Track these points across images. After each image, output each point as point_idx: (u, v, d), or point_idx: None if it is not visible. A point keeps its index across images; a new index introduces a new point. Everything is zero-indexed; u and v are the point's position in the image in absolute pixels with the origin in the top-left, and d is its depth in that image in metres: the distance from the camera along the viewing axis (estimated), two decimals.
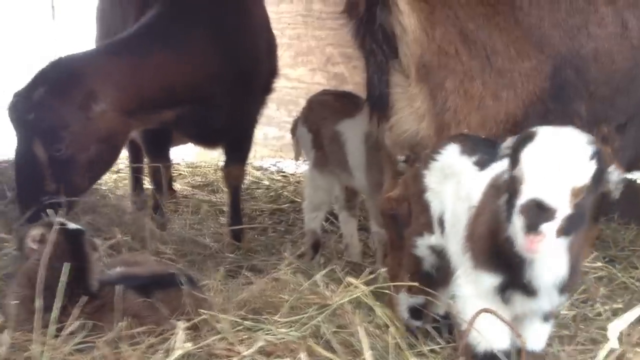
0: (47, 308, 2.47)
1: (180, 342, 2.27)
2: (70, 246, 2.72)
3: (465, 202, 2.41)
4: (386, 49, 3.21)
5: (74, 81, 3.61)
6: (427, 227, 2.71)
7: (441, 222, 2.60)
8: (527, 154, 2.03)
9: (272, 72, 4.76)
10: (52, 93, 3.52)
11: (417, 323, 2.92)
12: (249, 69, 4.33)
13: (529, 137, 2.07)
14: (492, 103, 3.06)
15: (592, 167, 1.99)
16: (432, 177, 2.66)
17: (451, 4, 3.06)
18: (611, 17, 3.05)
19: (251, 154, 6.89)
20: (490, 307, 2.30)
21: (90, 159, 3.65)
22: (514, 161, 2.07)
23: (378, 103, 3.30)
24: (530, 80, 3.05)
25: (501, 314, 2.20)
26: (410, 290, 2.85)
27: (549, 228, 1.95)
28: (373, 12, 3.19)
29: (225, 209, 5.15)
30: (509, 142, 2.18)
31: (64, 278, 2.52)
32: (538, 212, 1.94)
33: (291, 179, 6.12)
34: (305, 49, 7.00)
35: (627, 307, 3.31)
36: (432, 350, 2.70)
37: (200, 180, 5.95)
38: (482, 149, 2.48)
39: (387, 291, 2.94)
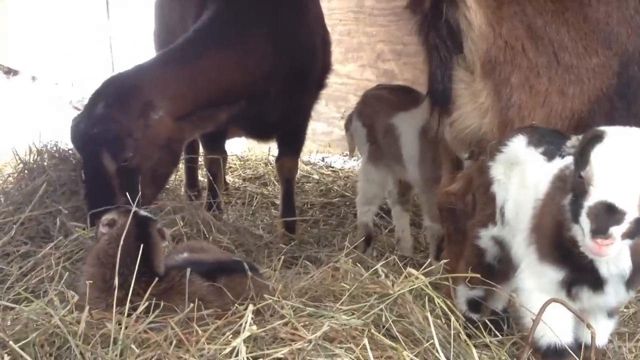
0: (119, 288, 2.57)
1: (248, 324, 2.32)
2: (138, 230, 2.81)
3: (530, 191, 2.43)
4: (450, 44, 3.23)
5: (130, 93, 3.72)
6: (492, 218, 2.73)
7: (502, 212, 2.63)
8: (597, 155, 2.02)
9: (325, 67, 4.80)
10: (112, 106, 3.63)
11: (476, 316, 2.95)
12: (304, 65, 4.37)
13: (598, 137, 2.06)
14: (558, 99, 3.06)
15: None
16: (498, 169, 2.69)
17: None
18: None
19: None
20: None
21: (154, 166, 3.75)
22: (583, 161, 2.07)
23: (440, 98, 3.32)
24: (597, 77, 3.04)
25: (570, 304, 2.21)
26: (470, 282, 2.88)
27: (618, 232, 1.95)
28: (439, 8, 3.21)
29: (277, 201, 5.24)
30: (574, 140, 2.19)
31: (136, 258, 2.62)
32: (607, 215, 1.95)
33: (340, 174, 6.16)
34: (356, 45, 7.03)
35: None
36: (496, 342, 2.73)
37: (251, 173, 6.03)
38: (550, 140, 2.49)
39: (445, 283, 2.97)
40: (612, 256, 2.05)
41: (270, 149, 6.31)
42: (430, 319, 2.60)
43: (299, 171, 6.15)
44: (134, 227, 2.80)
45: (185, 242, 3.34)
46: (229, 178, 5.79)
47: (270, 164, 6.22)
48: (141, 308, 2.45)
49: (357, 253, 3.37)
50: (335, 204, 5.31)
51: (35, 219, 3.46)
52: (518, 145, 2.64)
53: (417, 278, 2.81)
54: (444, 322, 2.75)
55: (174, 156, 3.92)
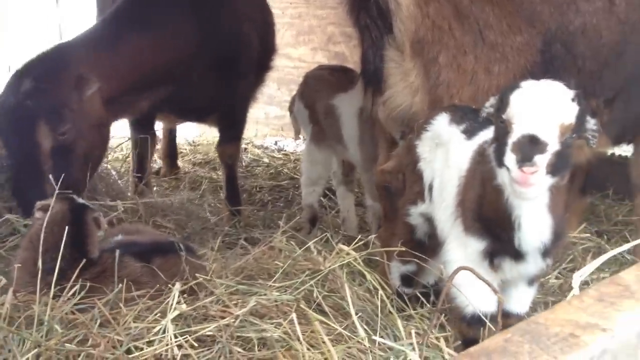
0: (49, 271, 2.59)
1: (177, 303, 2.36)
2: (71, 215, 2.83)
3: (453, 169, 2.50)
4: (381, 24, 3.27)
5: (61, 66, 3.60)
6: (420, 195, 2.80)
7: (430, 189, 2.69)
8: (516, 97, 2.12)
9: (267, 50, 4.80)
10: (43, 79, 3.48)
11: (408, 290, 3.02)
12: (232, 48, 4.34)
13: (515, 86, 2.17)
14: (484, 77, 3.13)
15: (575, 107, 2.10)
16: (424, 147, 2.75)
17: None
18: None
19: (252, 133, 7.07)
20: (479, 271, 2.39)
21: (88, 146, 3.63)
22: (503, 106, 2.15)
23: (372, 78, 3.37)
24: (522, 55, 3.11)
25: (479, 273, 2.28)
26: (402, 257, 2.95)
27: (542, 160, 2.03)
28: None
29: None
30: (492, 100, 2.27)
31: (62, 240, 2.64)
32: (531, 145, 2.03)
33: (291, 157, 6.21)
34: (307, 28, 7.05)
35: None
36: (420, 315, 2.81)
37: (201, 157, 6.04)
38: (471, 118, 2.56)
39: (378, 258, 3.04)
40: (537, 189, 2.11)
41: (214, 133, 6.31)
42: (356, 292, 2.68)
43: (249, 155, 6.21)
44: (68, 213, 2.82)
45: (120, 225, 3.35)
46: (179, 162, 5.79)
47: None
48: (69, 290, 2.47)
49: (292, 232, 3.42)
50: (284, 186, 5.35)
51: None
52: (441, 123, 2.70)
53: (347, 254, 2.88)
54: (373, 295, 2.82)
55: (103, 139, 3.84)
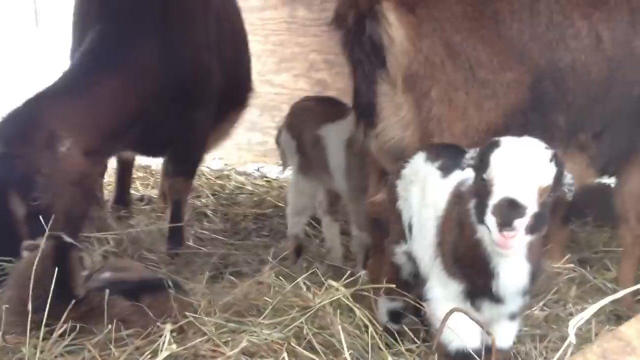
0: (35, 311, 2.56)
1: (167, 343, 2.35)
2: (56, 254, 2.81)
3: (431, 209, 2.53)
4: (374, 59, 3.32)
5: (31, 125, 3.44)
6: (402, 235, 2.82)
7: (410, 228, 2.72)
8: (496, 158, 2.16)
9: (238, 86, 4.75)
10: (12, 143, 3.36)
11: (396, 326, 3.02)
12: (189, 80, 4.21)
13: (495, 144, 2.21)
14: (475, 113, 3.18)
15: (553, 168, 2.15)
16: (402, 186, 2.79)
17: (438, 17, 3.18)
18: (586, 30, 3.20)
19: (235, 160, 7.06)
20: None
21: (68, 206, 3.47)
22: (484, 165, 2.20)
23: (365, 111, 3.40)
24: (511, 91, 3.17)
25: (472, 314, 2.30)
26: (389, 294, 2.96)
27: (521, 224, 2.08)
28: (362, 24, 3.30)
29: (209, 212, 5.26)
30: (472, 152, 2.31)
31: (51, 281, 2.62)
32: (510, 210, 2.07)
33: (274, 184, 6.19)
34: (289, 55, 7.08)
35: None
36: (409, 350, 2.81)
37: None
38: (447, 155, 2.60)
39: (367, 294, 3.04)
40: (517, 250, 2.18)
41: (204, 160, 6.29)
42: (346, 329, 2.68)
43: (232, 182, 6.19)
44: (53, 252, 2.80)
45: (108, 262, 3.33)
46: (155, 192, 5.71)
47: (204, 175, 6.22)
48: (58, 331, 2.44)
49: (280, 267, 3.41)
50: (269, 214, 5.33)
51: None
52: (418, 161, 2.74)
53: (337, 290, 2.88)
54: (363, 332, 2.82)
55: (87, 194, 3.67)
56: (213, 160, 6.75)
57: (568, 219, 4.35)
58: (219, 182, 6.13)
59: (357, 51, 3.37)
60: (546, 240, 3.91)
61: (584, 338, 2.90)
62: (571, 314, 3.38)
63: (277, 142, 4.54)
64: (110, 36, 3.95)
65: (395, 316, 3.02)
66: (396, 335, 2.89)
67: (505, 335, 2.56)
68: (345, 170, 4.04)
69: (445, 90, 3.20)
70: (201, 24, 4.32)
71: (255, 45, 7.25)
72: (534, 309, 3.36)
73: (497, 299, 2.38)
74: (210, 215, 5.22)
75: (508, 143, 2.20)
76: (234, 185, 6.06)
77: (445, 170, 2.59)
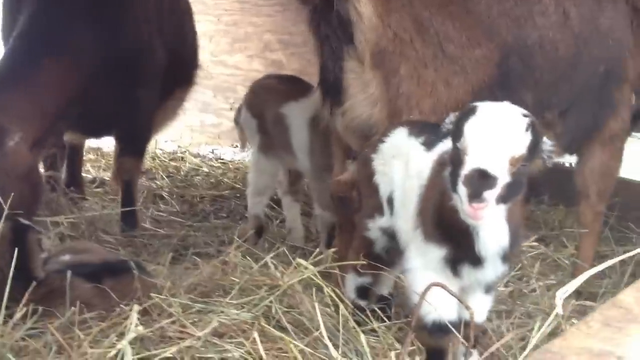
0: None
1: (134, 325, 2.26)
2: (13, 236, 2.70)
3: (415, 179, 2.50)
4: (341, 35, 3.25)
5: None
6: (378, 209, 2.78)
7: (390, 202, 2.69)
8: (469, 127, 2.14)
9: (183, 64, 4.63)
10: None
11: (364, 302, 3.00)
12: (131, 57, 4.07)
13: (471, 111, 2.18)
14: (444, 89, 3.15)
15: (527, 137, 2.13)
16: (380, 160, 2.74)
17: None
18: (554, 6, 3.19)
19: (187, 141, 6.94)
20: (439, 279, 2.40)
21: (20, 199, 3.18)
22: (458, 134, 2.18)
23: (331, 88, 3.34)
24: (480, 68, 3.15)
25: (449, 287, 2.29)
26: (358, 270, 2.93)
27: (491, 195, 2.06)
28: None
29: (165, 194, 5.15)
30: (452, 117, 2.28)
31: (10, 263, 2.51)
32: (480, 181, 2.06)
33: (230, 166, 6.11)
34: (243, 36, 6.97)
35: (560, 283, 3.50)
36: (381, 327, 2.79)
37: None
38: (429, 131, 2.57)
39: (334, 271, 3.01)
40: (488, 219, 2.15)
41: (156, 142, 6.17)
42: (318, 307, 2.63)
43: (187, 164, 6.08)
44: (10, 233, 2.69)
45: (68, 244, 3.21)
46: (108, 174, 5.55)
47: (158, 157, 6.09)
48: (18, 314, 2.33)
49: (247, 246, 3.35)
50: (226, 196, 5.25)
51: None
52: (399, 137, 2.70)
53: (306, 268, 2.83)
54: (333, 310, 2.79)
55: (37, 189, 3.46)
56: (166, 143, 6.62)
57: (527, 198, 4.39)
58: (174, 164, 6.02)
59: (324, 27, 3.30)
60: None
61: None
62: (534, 290, 3.43)
63: (236, 121, 4.46)
64: (42, 17, 3.77)
65: (362, 292, 2.99)
66: (367, 312, 2.87)
67: (479, 308, 2.56)
68: (309, 149, 3.99)
69: (414, 67, 3.15)
70: (145, 7, 4.19)
71: (208, 25, 7.13)
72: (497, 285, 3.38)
73: (477, 262, 2.36)
74: (166, 197, 5.11)
75: (483, 110, 2.18)
76: (189, 167, 5.95)
77: (429, 145, 2.56)
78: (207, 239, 4.29)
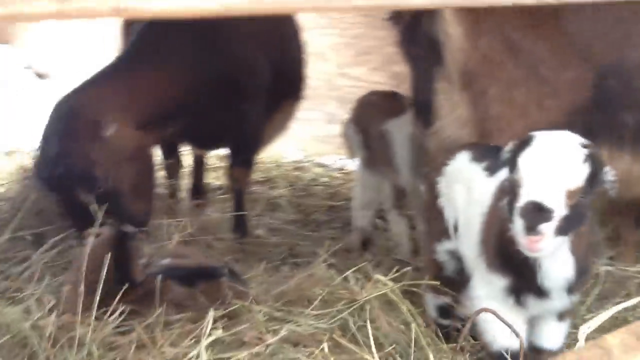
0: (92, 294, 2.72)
1: (209, 329, 2.45)
2: (116, 242, 2.97)
3: (476, 206, 2.51)
4: (431, 55, 3.29)
5: (75, 117, 3.59)
6: (444, 232, 2.81)
7: (455, 227, 2.70)
8: (525, 158, 2.14)
9: (288, 78, 4.80)
10: (63, 138, 3.51)
11: (446, 322, 3.02)
12: (239, 76, 4.29)
13: (527, 142, 2.17)
14: (536, 111, 3.11)
15: (585, 169, 2.10)
16: (445, 183, 2.77)
17: (496, 13, 3.09)
18: None
19: (313, 151, 7.15)
20: (503, 309, 2.40)
21: (132, 181, 3.64)
22: (513, 165, 2.18)
23: (423, 108, 3.39)
24: (573, 89, 3.08)
25: (501, 314, 2.29)
26: (435, 291, 2.96)
27: (547, 228, 2.05)
28: (418, 20, 3.28)
29: (283, 203, 5.36)
30: (510, 146, 2.27)
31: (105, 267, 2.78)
32: (536, 214, 2.05)
33: (352, 176, 6.23)
34: (366, 49, 7.10)
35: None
36: (454, 348, 2.80)
37: (261, 176, 6.14)
38: (492, 156, 2.57)
39: (415, 289, 3.05)
40: (546, 251, 2.14)
41: (280, 152, 6.42)
42: (392, 325, 2.70)
43: (309, 173, 6.28)
44: (113, 240, 2.97)
45: (171, 247, 3.48)
46: None
47: (282, 166, 6.34)
48: (111, 313, 2.59)
49: (331, 261, 3.46)
50: (341, 206, 5.37)
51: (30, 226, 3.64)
52: (462, 161, 2.71)
53: (384, 284, 2.90)
54: (409, 328, 2.83)
55: (148, 165, 3.84)
56: (291, 152, 6.88)
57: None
58: (295, 173, 6.22)
59: (413, 48, 3.36)
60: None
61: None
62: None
63: (344, 135, 4.58)
64: (152, 32, 4.09)
65: (444, 311, 3.01)
66: (441, 332, 2.89)
67: (553, 336, 2.53)
68: (410, 164, 4.04)
69: (505, 89, 3.14)
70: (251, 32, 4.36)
71: (333, 38, 7.33)
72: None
73: (542, 293, 2.34)
74: (284, 205, 5.31)
75: (539, 141, 2.16)
76: (310, 176, 6.14)
77: (492, 170, 2.56)
78: (314, 248, 4.44)
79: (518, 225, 2.09)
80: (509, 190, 2.19)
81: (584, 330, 1.63)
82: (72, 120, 3.59)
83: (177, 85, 3.97)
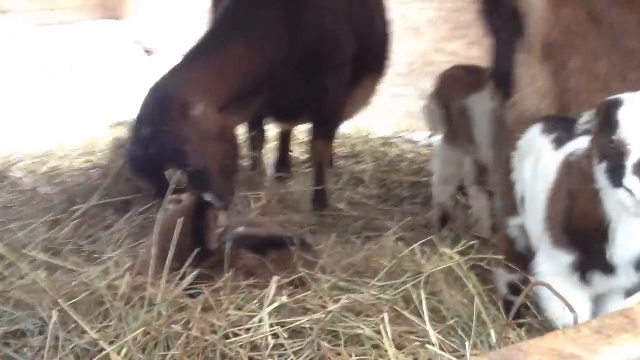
0: (173, 260, 2.87)
1: (272, 296, 2.54)
2: (194, 210, 3.11)
3: (541, 181, 2.45)
4: (512, 27, 3.23)
5: (166, 100, 3.72)
6: (516, 207, 2.76)
7: (522, 201, 2.66)
8: (626, 117, 2.06)
9: (372, 52, 4.80)
10: (155, 121, 3.65)
11: (516, 298, 2.98)
12: (322, 50, 4.31)
13: (617, 103, 2.11)
14: (618, 85, 2.98)
15: None
16: (517, 158, 2.72)
17: None
18: None
19: (404, 127, 7.12)
20: (567, 286, 2.36)
21: (220, 160, 3.79)
22: (611, 127, 2.10)
23: (502, 80, 3.33)
24: None
25: (554, 288, 2.25)
26: (506, 267, 2.93)
27: None
28: None
29: (366, 178, 5.40)
30: (587, 117, 2.20)
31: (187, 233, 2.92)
32: None
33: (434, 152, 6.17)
34: (463, 23, 6.96)
35: None
36: (520, 325, 2.77)
37: (348, 151, 6.19)
38: (561, 127, 2.50)
39: (483, 265, 3.03)
40: None
41: (369, 127, 6.44)
42: (455, 298, 2.70)
43: (395, 149, 6.28)
44: (192, 208, 3.11)
45: (244, 217, 3.60)
46: None
47: (370, 142, 6.36)
48: (183, 277, 2.73)
49: (402, 234, 3.48)
50: (425, 183, 5.34)
51: (118, 193, 3.86)
52: (534, 133, 2.65)
53: (450, 258, 2.90)
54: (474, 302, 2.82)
55: (232, 144, 3.97)
56: (384, 127, 6.87)
57: None
58: (383, 149, 6.23)
59: (495, 19, 3.30)
60: None
61: None
62: None
63: (425, 110, 4.55)
64: (239, 5, 4.20)
65: (514, 289, 2.98)
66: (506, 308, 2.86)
67: None
68: (491, 140, 3.97)
69: (586, 60, 3.03)
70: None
71: (430, 12, 7.23)
72: None
73: (609, 269, 2.29)
74: (367, 180, 5.35)
75: (630, 100, 2.10)
76: (396, 152, 6.13)
77: (559, 142, 2.50)
78: (393, 224, 4.46)
79: (634, 183, 2.01)
80: (607, 154, 2.11)
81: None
82: (163, 100, 3.73)
83: (263, 61, 4.06)
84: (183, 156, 3.64)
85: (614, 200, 2.16)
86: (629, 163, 2.01)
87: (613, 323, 1.34)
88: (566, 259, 2.34)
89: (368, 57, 4.71)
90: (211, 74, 3.92)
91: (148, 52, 11.24)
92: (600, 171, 2.17)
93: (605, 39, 3.02)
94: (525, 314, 2.91)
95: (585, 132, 2.24)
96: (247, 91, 4.03)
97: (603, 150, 2.15)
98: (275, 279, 2.65)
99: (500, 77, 3.38)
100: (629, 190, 2.03)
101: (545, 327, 2.70)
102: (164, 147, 3.61)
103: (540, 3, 3.08)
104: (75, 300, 2.58)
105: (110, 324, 2.52)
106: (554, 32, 3.09)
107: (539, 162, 2.54)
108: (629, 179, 2.01)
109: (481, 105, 4.00)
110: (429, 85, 7.21)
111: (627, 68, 2.98)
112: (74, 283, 2.79)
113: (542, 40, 3.12)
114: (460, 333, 2.66)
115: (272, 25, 4.16)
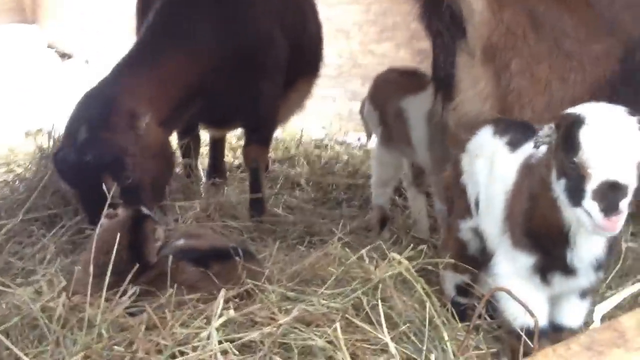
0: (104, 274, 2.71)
1: (220, 310, 2.42)
2: (132, 223, 2.96)
3: (499, 181, 2.44)
4: (453, 30, 3.22)
5: (111, 107, 3.53)
6: (467, 210, 2.75)
7: (477, 203, 2.64)
8: (586, 138, 2.03)
9: (304, 55, 4.74)
10: (98, 127, 3.44)
11: (464, 300, 2.97)
12: (255, 54, 4.23)
13: (580, 121, 2.06)
14: (559, 86, 3.03)
15: None
16: (466, 160, 2.70)
17: None
18: None
19: (335, 129, 7.10)
20: (527, 287, 2.35)
21: (155, 177, 3.64)
22: (572, 147, 2.06)
23: (443, 83, 3.32)
24: (599, 64, 2.99)
25: (520, 293, 2.23)
26: (456, 269, 2.91)
27: (625, 205, 2.00)
28: None
29: (303, 181, 5.33)
30: (547, 129, 2.18)
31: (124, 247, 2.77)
32: (614, 193, 1.98)
33: (372, 154, 6.18)
34: (391, 25, 7.00)
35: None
36: (469, 327, 2.74)
37: (282, 154, 6.12)
38: (515, 130, 2.49)
39: (431, 268, 3.00)
40: (619, 228, 2.06)
41: (302, 130, 6.38)
42: (406, 304, 2.66)
43: (329, 151, 6.24)
44: (129, 221, 2.95)
45: (184, 228, 3.46)
46: None
47: (303, 144, 6.30)
48: (122, 294, 2.57)
49: (347, 239, 3.42)
50: (361, 185, 5.34)
51: (45, 206, 3.65)
52: (484, 135, 2.64)
53: (399, 263, 2.85)
54: (423, 306, 2.78)
55: (169, 160, 3.85)
56: (314, 130, 6.83)
57: None
58: (317, 151, 6.19)
59: (436, 22, 3.29)
60: None
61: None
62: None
63: (361, 112, 4.53)
64: (171, 9, 4.05)
65: (462, 290, 2.97)
66: (464, 310, 2.85)
67: (574, 314, 2.48)
68: (427, 142, 3.98)
69: (527, 63, 3.06)
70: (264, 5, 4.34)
71: (359, 15, 7.24)
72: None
73: (569, 271, 2.29)
74: (303, 184, 5.29)
75: (593, 118, 2.06)
76: (330, 154, 6.10)
77: (514, 144, 2.49)
78: (332, 226, 4.40)
79: (592, 208, 2.01)
80: (567, 174, 2.09)
81: (599, 311, 1.57)
82: (108, 107, 3.53)
83: (199, 69, 3.94)
84: (122, 167, 3.44)
85: (571, 215, 2.16)
86: (589, 187, 2.01)
87: (603, 338, 1.31)
88: (527, 260, 2.34)
89: (302, 60, 4.65)
90: (153, 85, 3.75)
91: (63, 56, 10.85)
92: (559, 186, 2.16)
93: (545, 42, 3.05)
94: (472, 315, 2.90)
95: (544, 144, 2.22)
96: (183, 101, 3.91)
97: (563, 167, 2.14)
98: (222, 292, 2.53)
99: (441, 80, 3.38)
100: (587, 212, 2.04)
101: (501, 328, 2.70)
102: (102, 155, 3.40)
103: (480, 6, 3.09)
104: (6, 326, 2.39)
105: (47, 348, 2.35)
106: (494, 35, 3.10)
107: (494, 164, 2.52)
108: (588, 202, 2.02)
109: (417, 107, 4.00)
110: (358, 86, 7.30)
111: (567, 70, 3.03)
112: (4, 306, 2.59)
113: (483, 43, 3.14)
114: (413, 338, 2.61)
115: (206, 32, 4.04)
